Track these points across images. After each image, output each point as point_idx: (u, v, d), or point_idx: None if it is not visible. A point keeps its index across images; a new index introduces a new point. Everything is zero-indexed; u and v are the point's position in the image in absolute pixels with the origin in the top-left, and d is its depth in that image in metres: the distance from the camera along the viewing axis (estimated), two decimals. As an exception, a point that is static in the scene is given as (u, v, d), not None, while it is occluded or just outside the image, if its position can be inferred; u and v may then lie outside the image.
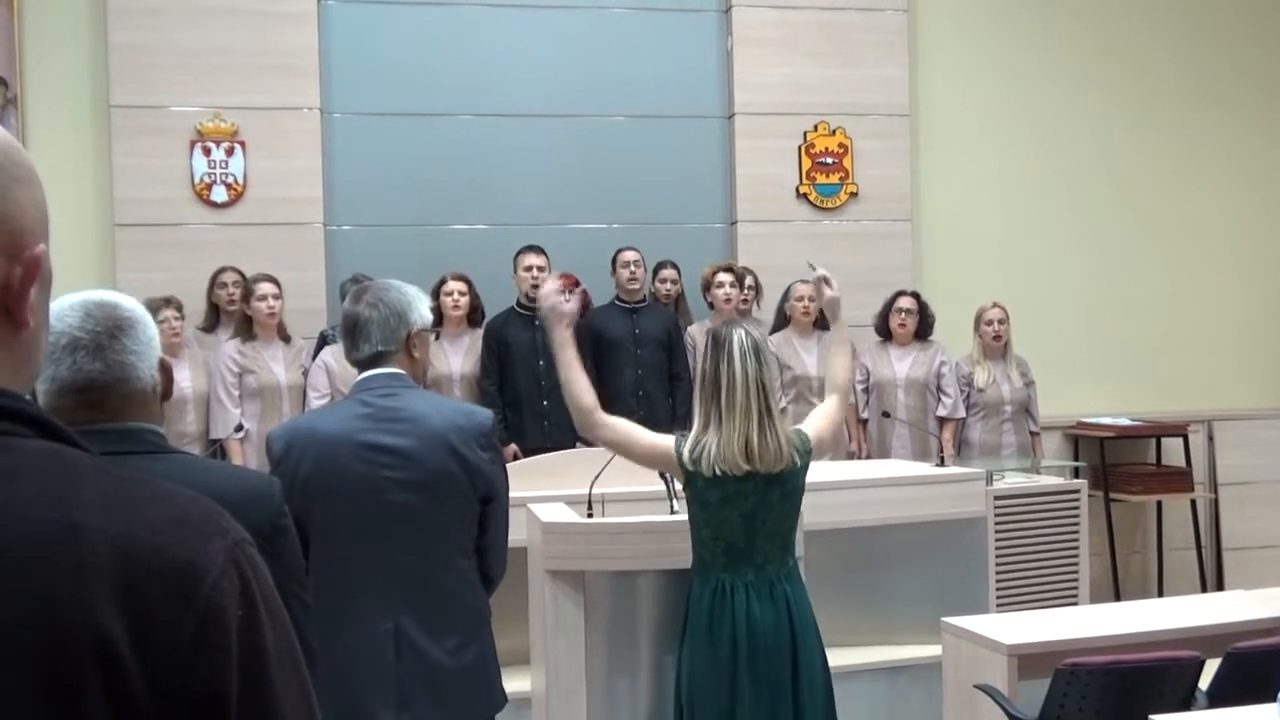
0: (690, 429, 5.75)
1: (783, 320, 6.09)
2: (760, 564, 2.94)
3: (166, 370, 1.83)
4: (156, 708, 0.80)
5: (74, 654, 0.78)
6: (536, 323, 5.68)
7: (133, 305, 1.81)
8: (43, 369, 1.70)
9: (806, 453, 3.00)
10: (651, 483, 3.69)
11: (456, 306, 5.62)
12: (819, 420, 3.16)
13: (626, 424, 3.11)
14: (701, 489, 2.91)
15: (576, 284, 6.14)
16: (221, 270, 5.75)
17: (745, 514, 2.91)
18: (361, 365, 2.58)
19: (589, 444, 5.57)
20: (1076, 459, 6.47)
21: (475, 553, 2.60)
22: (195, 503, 0.89)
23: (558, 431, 5.61)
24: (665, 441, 3.04)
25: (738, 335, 2.95)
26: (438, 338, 5.48)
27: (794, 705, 2.91)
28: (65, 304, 1.76)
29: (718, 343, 2.96)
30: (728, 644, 2.90)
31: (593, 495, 3.85)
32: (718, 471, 2.87)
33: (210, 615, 0.82)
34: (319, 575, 2.46)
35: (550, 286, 3.24)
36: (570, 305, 3.21)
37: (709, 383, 2.95)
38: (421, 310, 2.62)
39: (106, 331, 1.74)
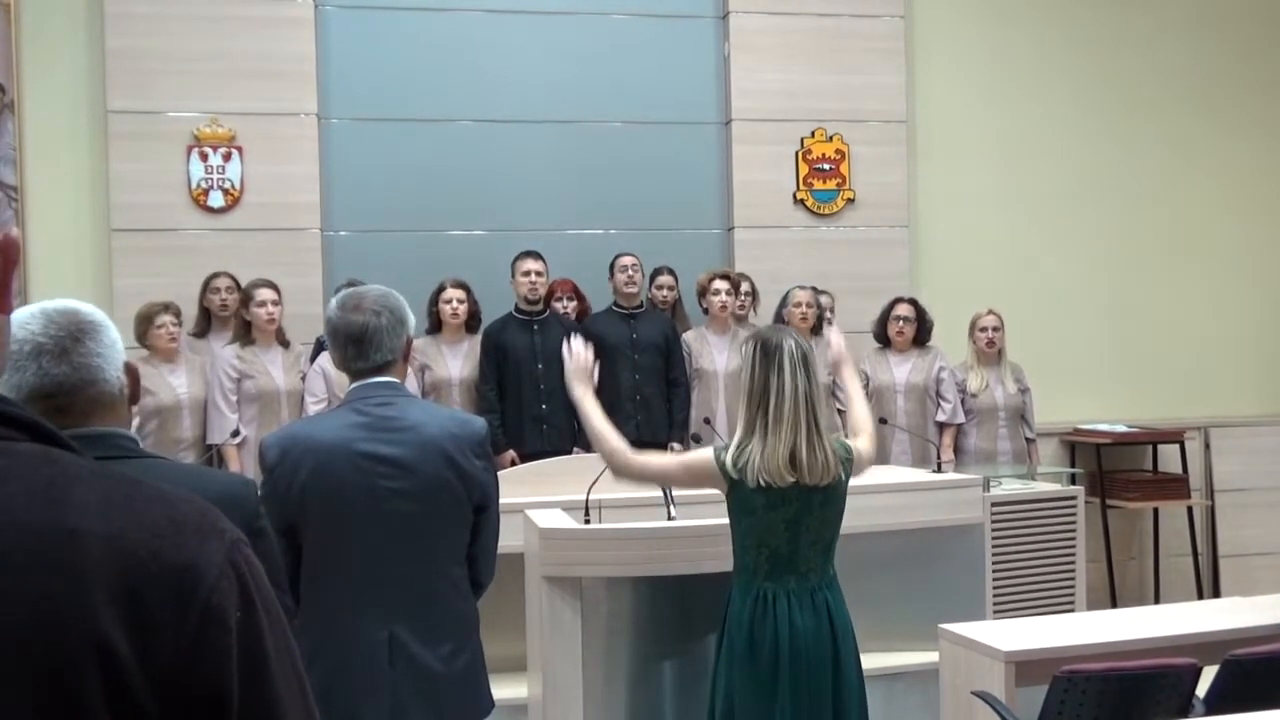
0: (681, 434, 5.77)
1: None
2: (803, 572, 2.93)
3: (132, 373, 1.83)
4: (158, 710, 0.79)
5: (74, 658, 0.77)
6: (535, 327, 5.68)
7: (93, 310, 1.82)
8: (9, 377, 1.70)
9: (849, 462, 3.00)
10: (649, 489, 3.69)
11: (455, 314, 5.62)
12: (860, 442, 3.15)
13: (658, 456, 3.09)
14: (746, 495, 2.89)
15: (574, 289, 6.16)
16: (214, 275, 5.74)
17: (789, 520, 2.89)
18: (363, 374, 2.55)
19: (587, 449, 5.60)
20: (1073, 465, 6.47)
21: (466, 559, 2.60)
22: (190, 504, 0.88)
23: (556, 435, 5.62)
24: (703, 455, 3.00)
25: (788, 346, 2.92)
26: None
27: (834, 716, 2.90)
28: (25, 313, 1.76)
29: (768, 353, 2.92)
30: (769, 653, 2.87)
31: (590, 501, 3.85)
32: (762, 482, 2.86)
33: (210, 616, 0.82)
34: (315, 583, 2.46)
35: (578, 353, 3.15)
36: (586, 361, 3.14)
37: (757, 392, 2.92)
38: (412, 315, 2.63)
39: (70, 335, 1.74)
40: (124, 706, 0.78)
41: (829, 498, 2.94)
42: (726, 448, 2.96)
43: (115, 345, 1.80)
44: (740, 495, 2.91)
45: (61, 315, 1.76)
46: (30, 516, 0.80)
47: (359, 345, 2.52)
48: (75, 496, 0.82)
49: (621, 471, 3.05)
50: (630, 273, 5.94)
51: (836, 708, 2.91)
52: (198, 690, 0.81)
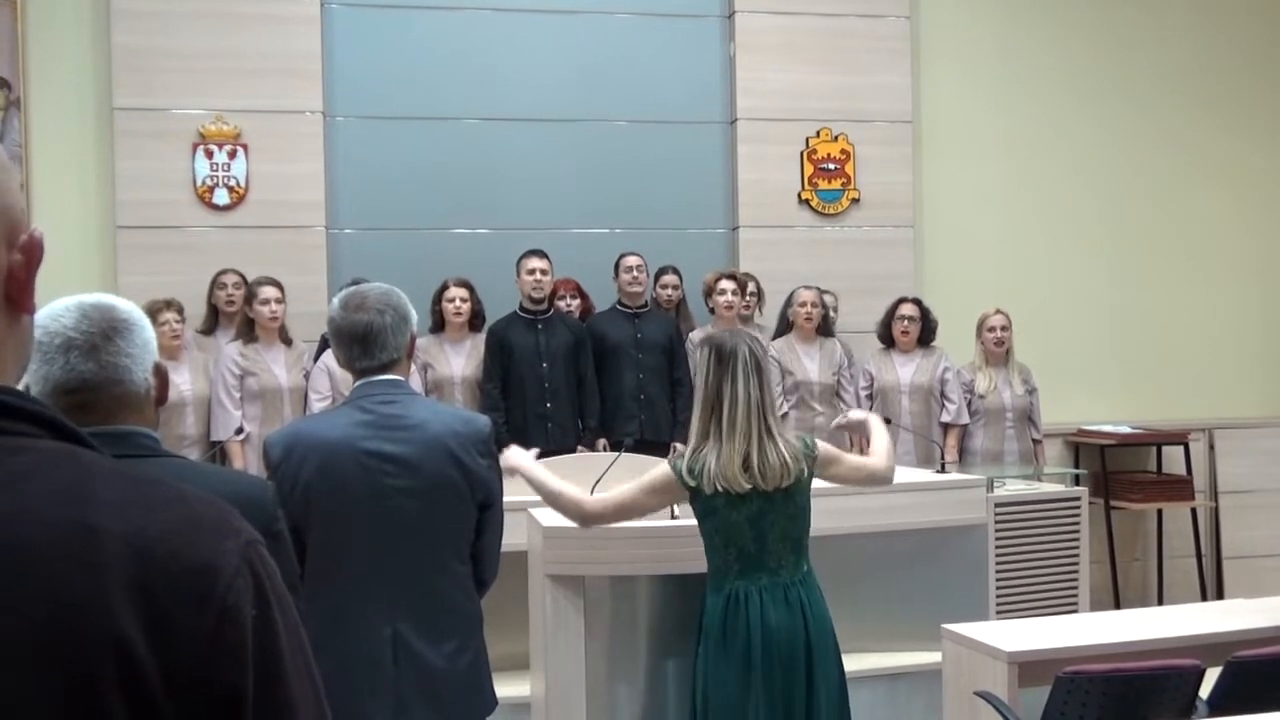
0: (683, 434, 5.77)
1: (785, 326, 6.10)
2: (774, 569, 2.94)
3: (161, 375, 1.82)
4: (174, 708, 0.80)
5: (92, 656, 0.78)
6: (540, 326, 5.69)
7: (129, 308, 1.81)
8: (37, 369, 1.70)
9: (811, 459, 3.00)
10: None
11: (458, 313, 5.62)
12: (849, 463, 3.15)
13: (619, 490, 3.06)
14: (707, 497, 2.92)
15: (577, 288, 6.16)
16: (221, 272, 5.75)
17: (752, 517, 2.91)
18: (369, 372, 2.56)
19: (591, 448, 5.61)
20: (1077, 466, 6.46)
21: (470, 557, 2.60)
22: (208, 503, 0.89)
23: (560, 433, 5.62)
24: (659, 470, 3.01)
25: (742, 352, 2.94)
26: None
27: (807, 712, 2.90)
28: (61, 305, 1.75)
29: (721, 359, 2.94)
30: (741, 651, 2.89)
31: (593, 500, 3.84)
32: (719, 488, 2.88)
33: (226, 615, 0.83)
34: (318, 581, 2.46)
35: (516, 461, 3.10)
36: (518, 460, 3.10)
37: (711, 398, 2.94)
38: (414, 312, 2.64)
39: (101, 333, 1.73)
40: (140, 704, 0.79)
41: (790, 495, 2.95)
42: (681, 456, 2.98)
43: (148, 345, 1.79)
44: (700, 500, 2.94)
45: (96, 311, 1.75)
46: (51, 513, 0.81)
47: (364, 344, 2.53)
48: (96, 494, 0.83)
49: (589, 520, 3.04)
50: (635, 273, 5.94)
51: (811, 706, 2.91)
52: (213, 689, 0.82)
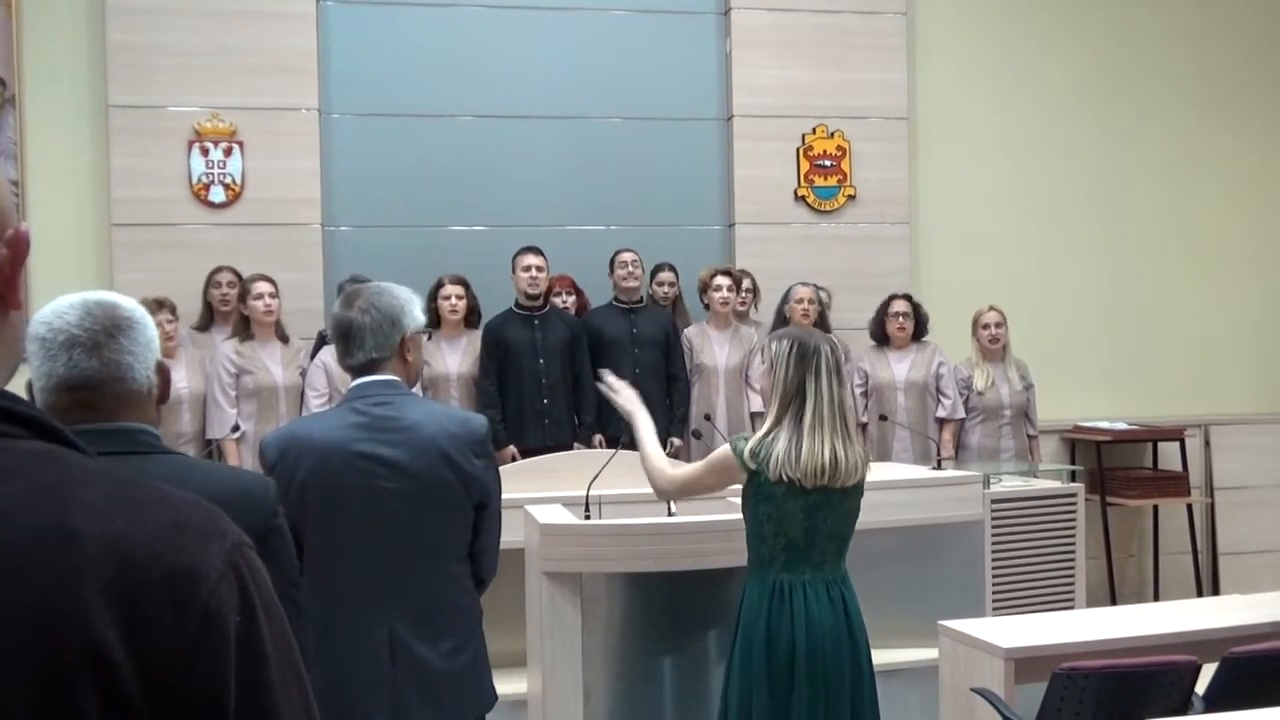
0: (680, 430, 5.76)
1: (782, 322, 6.08)
2: (818, 564, 2.94)
3: (164, 373, 1.83)
4: (153, 714, 0.78)
5: (68, 660, 0.76)
6: (535, 322, 5.69)
7: (133, 306, 1.81)
8: (40, 365, 1.70)
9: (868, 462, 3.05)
10: (649, 484, 3.68)
11: (454, 310, 5.62)
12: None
13: (685, 466, 3.17)
14: (768, 484, 2.91)
15: (573, 285, 6.16)
16: (217, 270, 5.74)
17: (808, 509, 2.90)
18: (355, 371, 2.56)
19: (587, 445, 5.61)
20: (1073, 463, 6.47)
21: (468, 556, 2.60)
22: (194, 506, 0.87)
23: (557, 430, 5.63)
24: (722, 451, 3.04)
25: (824, 351, 2.95)
26: (430, 338, 5.47)
27: (851, 709, 2.90)
28: (65, 302, 1.76)
29: (805, 356, 2.94)
30: (786, 645, 2.87)
31: (590, 497, 3.85)
32: (784, 476, 2.87)
33: (208, 621, 0.81)
34: (314, 582, 2.45)
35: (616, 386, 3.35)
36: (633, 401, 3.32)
37: (790, 391, 2.93)
38: (414, 314, 2.60)
39: (104, 330, 1.74)
40: (117, 709, 0.77)
41: (849, 494, 2.97)
42: (745, 439, 2.98)
43: (150, 344, 1.80)
44: (758, 484, 2.92)
45: (100, 308, 1.76)
46: (30, 517, 0.80)
47: (344, 341, 2.55)
48: (76, 497, 0.82)
49: (662, 489, 3.16)
50: (630, 268, 5.94)
51: (855, 701, 2.91)
52: (194, 695, 0.80)
